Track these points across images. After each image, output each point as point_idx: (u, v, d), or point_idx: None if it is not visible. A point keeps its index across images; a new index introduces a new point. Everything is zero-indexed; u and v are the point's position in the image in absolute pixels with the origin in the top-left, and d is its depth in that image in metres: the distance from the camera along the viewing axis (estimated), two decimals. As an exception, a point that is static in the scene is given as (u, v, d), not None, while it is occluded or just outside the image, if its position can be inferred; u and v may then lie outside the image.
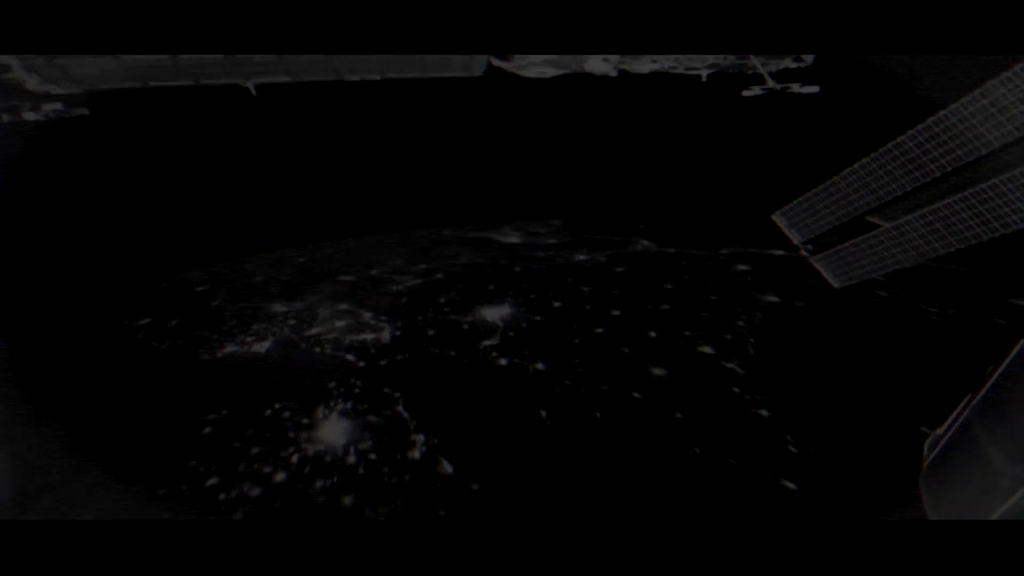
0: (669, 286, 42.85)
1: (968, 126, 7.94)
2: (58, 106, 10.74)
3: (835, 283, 10.46)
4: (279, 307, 42.39)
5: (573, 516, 7.20)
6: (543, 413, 9.99)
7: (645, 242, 58.18)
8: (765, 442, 8.45)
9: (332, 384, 22.38)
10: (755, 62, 9.87)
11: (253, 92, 9.80)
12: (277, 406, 15.90)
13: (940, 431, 8.46)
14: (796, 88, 9.83)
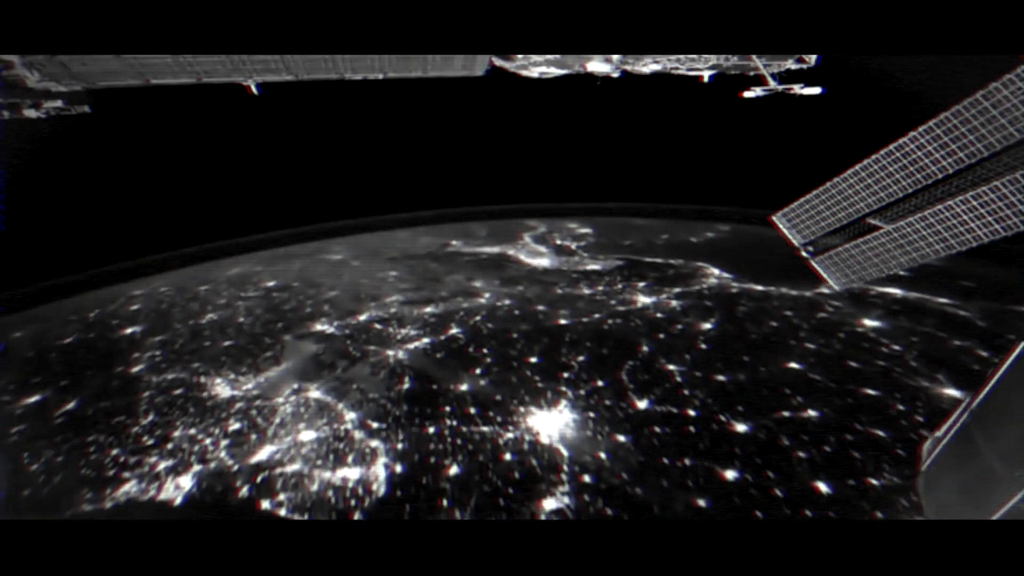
0: (795, 365, 28.87)
1: (970, 128, 8.01)
2: (59, 103, 10.75)
3: (835, 285, 10.54)
4: (223, 387, 29.00)
5: None
6: None
7: (715, 271, 43.66)
8: None
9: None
10: (757, 63, 9.87)
11: (255, 91, 9.81)
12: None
13: (939, 434, 8.45)
14: (798, 89, 9.82)
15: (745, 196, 61.46)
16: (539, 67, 11.98)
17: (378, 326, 36.45)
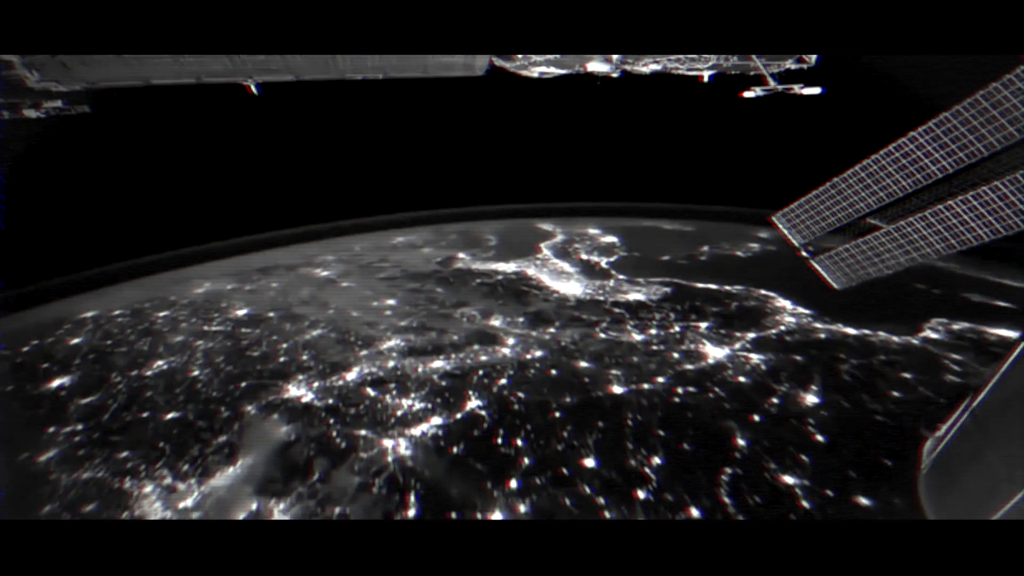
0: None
1: (970, 128, 8.01)
2: (59, 103, 10.79)
3: (835, 285, 10.54)
4: (152, 502, 21.09)
5: None
6: None
7: (787, 304, 35.96)
8: None
9: None
10: (757, 63, 9.89)
11: (255, 91, 9.82)
12: None
13: (939, 434, 8.45)
14: (798, 89, 9.84)
15: (745, 196, 61.56)
16: (539, 67, 12.03)
17: (371, 392, 27.98)
